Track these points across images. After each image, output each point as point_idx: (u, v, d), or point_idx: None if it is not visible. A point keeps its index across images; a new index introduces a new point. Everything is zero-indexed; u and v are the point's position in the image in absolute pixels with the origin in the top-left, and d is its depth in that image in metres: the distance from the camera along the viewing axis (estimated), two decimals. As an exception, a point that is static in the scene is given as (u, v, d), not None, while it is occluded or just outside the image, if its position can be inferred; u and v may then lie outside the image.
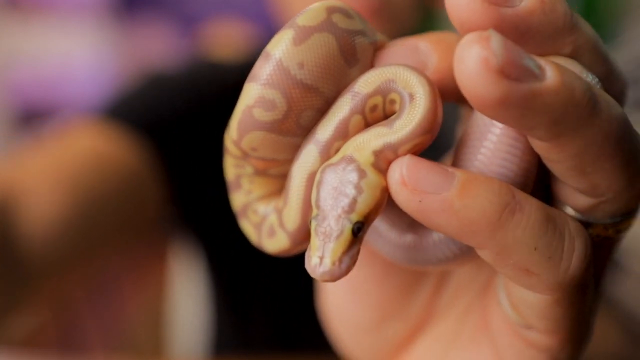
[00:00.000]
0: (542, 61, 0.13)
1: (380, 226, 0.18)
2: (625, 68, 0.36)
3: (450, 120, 0.24)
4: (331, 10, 0.17)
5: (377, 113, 0.17)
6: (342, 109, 0.17)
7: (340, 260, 0.15)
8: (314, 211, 0.16)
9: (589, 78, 0.16)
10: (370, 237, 0.19)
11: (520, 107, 0.13)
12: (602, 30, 2.00)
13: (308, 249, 0.16)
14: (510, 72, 0.12)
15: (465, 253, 0.17)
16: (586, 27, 0.16)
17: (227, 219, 0.57)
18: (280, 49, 0.16)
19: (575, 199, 0.16)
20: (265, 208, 0.19)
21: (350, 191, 0.15)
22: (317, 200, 0.16)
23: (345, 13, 0.17)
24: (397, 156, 0.16)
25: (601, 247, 0.17)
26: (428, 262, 0.18)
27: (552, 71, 0.13)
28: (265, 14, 1.96)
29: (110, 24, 1.90)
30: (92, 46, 1.88)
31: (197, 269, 0.64)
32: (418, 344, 0.21)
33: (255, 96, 0.17)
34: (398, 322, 0.21)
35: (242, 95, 0.17)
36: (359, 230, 0.15)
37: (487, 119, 0.16)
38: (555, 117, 0.13)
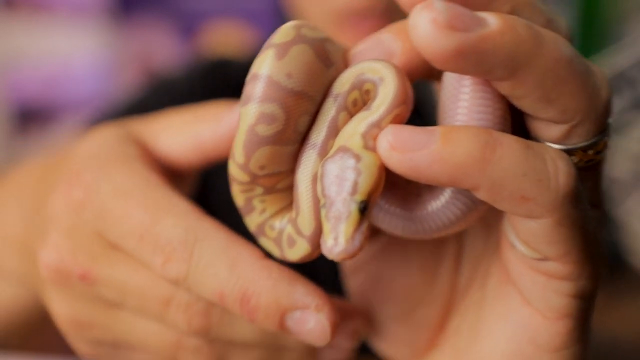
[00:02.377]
0: (484, 13, 0.15)
1: (389, 207, 0.20)
2: (630, 70, 0.36)
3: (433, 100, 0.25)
4: (298, 26, 0.19)
5: (358, 105, 0.19)
6: (329, 111, 0.19)
7: (353, 238, 0.16)
8: (322, 201, 0.17)
9: None
10: (383, 219, 0.20)
11: (475, 53, 0.15)
12: (605, 32, 2.00)
13: (322, 235, 0.17)
14: (458, 25, 0.14)
15: (470, 209, 0.19)
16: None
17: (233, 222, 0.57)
18: (266, 66, 0.18)
19: (550, 131, 0.17)
20: (280, 222, 0.21)
21: (351, 175, 0.17)
22: (323, 190, 0.17)
23: (311, 26, 0.19)
24: (381, 130, 0.17)
25: (588, 171, 0.18)
26: (440, 228, 0.19)
27: (494, 18, 0.15)
28: (265, 15, 1.96)
29: (110, 24, 1.90)
30: (92, 46, 1.88)
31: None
32: (450, 323, 0.22)
33: (255, 115, 0.18)
34: (427, 306, 0.22)
35: (242, 119, 0.18)
36: (365, 209, 0.17)
37: (455, 82, 0.18)
38: (507, 55, 0.15)
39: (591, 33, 2.10)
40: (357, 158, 0.17)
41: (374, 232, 0.22)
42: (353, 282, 0.23)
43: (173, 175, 0.23)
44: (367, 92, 0.19)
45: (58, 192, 0.22)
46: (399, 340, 0.22)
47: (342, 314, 0.21)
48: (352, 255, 0.16)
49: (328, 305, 0.18)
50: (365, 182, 0.17)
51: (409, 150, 0.16)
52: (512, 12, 0.17)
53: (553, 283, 0.18)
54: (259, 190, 0.20)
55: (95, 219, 0.20)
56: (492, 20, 0.15)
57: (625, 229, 0.52)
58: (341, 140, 0.18)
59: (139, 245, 0.19)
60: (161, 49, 1.95)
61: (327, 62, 0.19)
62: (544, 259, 0.18)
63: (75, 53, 1.84)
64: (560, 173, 0.16)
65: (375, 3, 0.48)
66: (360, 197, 0.16)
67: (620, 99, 0.37)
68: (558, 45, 0.16)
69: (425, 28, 0.14)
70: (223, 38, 1.95)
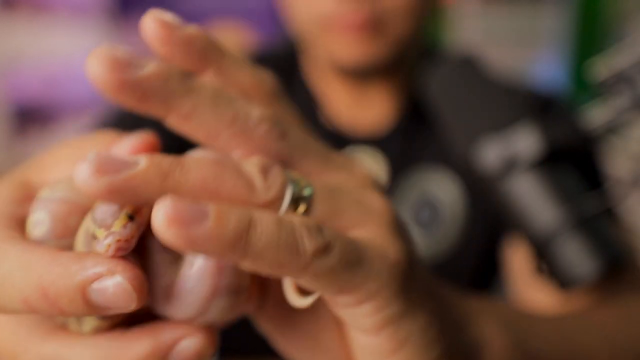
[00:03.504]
0: (138, 157, 0.18)
1: (164, 310, 0.21)
2: (629, 70, 0.36)
3: None
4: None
5: None
6: None
7: (125, 226, 0.18)
8: (94, 228, 0.19)
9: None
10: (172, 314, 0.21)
11: (127, 189, 0.18)
12: (605, 32, 2.00)
13: (96, 244, 0.19)
14: (106, 170, 0.17)
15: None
16: (204, 87, 0.20)
17: None
18: (39, 192, 0.21)
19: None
20: None
21: (116, 204, 0.19)
22: (94, 219, 0.19)
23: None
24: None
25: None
26: (197, 301, 0.20)
27: (143, 159, 0.18)
28: (264, 15, 1.96)
29: (109, 24, 1.90)
30: (92, 46, 1.88)
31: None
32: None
33: (30, 223, 0.21)
34: (329, 343, 0.24)
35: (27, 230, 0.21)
36: (132, 218, 0.19)
37: None
38: (156, 187, 0.18)
39: (591, 33, 2.10)
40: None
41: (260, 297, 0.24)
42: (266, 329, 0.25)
43: None
44: None
45: None
46: None
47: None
48: (128, 238, 0.18)
49: (121, 266, 0.18)
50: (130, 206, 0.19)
51: (186, 225, 0.17)
52: (193, 111, 0.20)
53: (355, 310, 0.20)
54: None
55: None
56: (141, 161, 0.18)
57: (625, 227, 0.52)
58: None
59: None
60: (161, 49, 1.96)
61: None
62: (338, 293, 0.20)
63: (75, 53, 1.84)
64: (306, 240, 0.18)
65: (360, 10, 0.49)
66: (127, 210, 0.18)
67: (620, 99, 0.38)
68: (201, 165, 0.19)
69: (81, 176, 0.17)
70: (223, 38, 1.95)
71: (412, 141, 0.55)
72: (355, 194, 0.21)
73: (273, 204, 0.20)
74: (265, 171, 0.20)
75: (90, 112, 1.88)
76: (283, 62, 0.60)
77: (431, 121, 0.56)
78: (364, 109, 0.56)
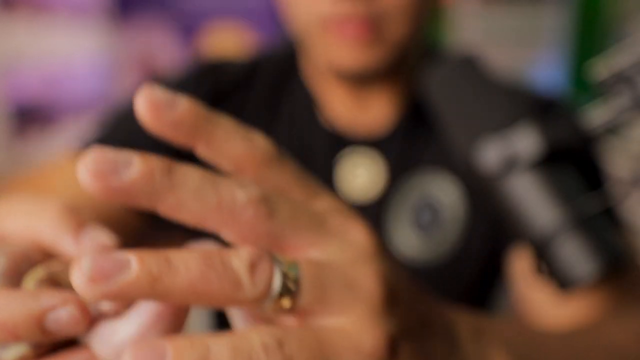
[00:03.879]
0: (130, 256, 0.19)
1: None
2: (629, 70, 0.36)
3: None
4: None
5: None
6: None
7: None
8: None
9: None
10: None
11: (120, 294, 0.19)
12: (605, 32, 1.99)
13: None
14: (100, 278, 0.18)
15: None
16: (188, 178, 0.20)
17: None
18: None
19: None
20: None
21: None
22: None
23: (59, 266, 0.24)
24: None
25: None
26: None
27: (134, 261, 0.19)
28: (264, 16, 1.96)
29: (110, 24, 1.90)
30: (92, 46, 1.88)
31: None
32: None
33: None
34: None
35: None
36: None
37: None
38: (145, 291, 0.19)
39: (591, 33, 2.10)
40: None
41: None
42: None
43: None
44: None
45: None
46: None
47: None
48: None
49: (72, 298, 0.21)
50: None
51: None
52: (211, 143, 0.21)
53: None
54: None
55: None
56: (132, 265, 0.19)
57: (625, 227, 0.52)
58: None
59: None
60: (161, 49, 1.96)
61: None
62: None
63: (75, 53, 1.84)
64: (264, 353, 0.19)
65: (357, 10, 0.49)
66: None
67: (620, 99, 0.38)
68: (188, 268, 0.19)
69: (78, 283, 0.18)
70: (223, 38, 1.95)
71: (412, 143, 0.55)
72: (346, 273, 0.21)
73: (259, 300, 0.20)
74: (253, 266, 0.20)
75: (90, 112, 1.88)
76: (283, 63, 0.60)
77: (432, 123, 0.56)
78: (364, 111, 0.56)
